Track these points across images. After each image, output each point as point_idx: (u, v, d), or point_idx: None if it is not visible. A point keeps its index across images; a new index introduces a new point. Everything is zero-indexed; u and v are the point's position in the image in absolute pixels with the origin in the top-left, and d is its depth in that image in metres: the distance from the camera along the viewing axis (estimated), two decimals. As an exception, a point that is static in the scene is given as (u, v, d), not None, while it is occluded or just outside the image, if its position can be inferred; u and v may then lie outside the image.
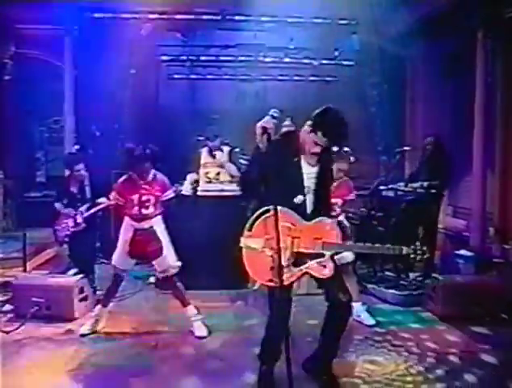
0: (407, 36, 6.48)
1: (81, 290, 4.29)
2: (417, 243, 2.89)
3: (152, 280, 5.16)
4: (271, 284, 2.74)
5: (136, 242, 3.86)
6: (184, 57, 8.63)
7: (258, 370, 3.11)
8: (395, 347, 3.77)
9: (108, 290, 4.02)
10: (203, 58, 8.81)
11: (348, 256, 4.24)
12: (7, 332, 3.92)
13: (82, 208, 4.90)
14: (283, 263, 2.68)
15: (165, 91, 8.91)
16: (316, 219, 2.84)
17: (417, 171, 5.61)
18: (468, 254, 4.94)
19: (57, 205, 5.24)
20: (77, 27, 6.31)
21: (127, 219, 3.93)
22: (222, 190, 5.18)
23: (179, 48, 8.46)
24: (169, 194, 3.99)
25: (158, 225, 3.93)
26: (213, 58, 8.91)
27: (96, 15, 6.23)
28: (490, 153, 5.01)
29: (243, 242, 2.80)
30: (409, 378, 3.26)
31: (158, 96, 8.66)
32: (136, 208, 3.87)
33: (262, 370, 3.07)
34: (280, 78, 9.67)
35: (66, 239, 4.95)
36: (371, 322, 4.23)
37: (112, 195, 3.98)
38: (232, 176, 5.42)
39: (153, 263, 3.94)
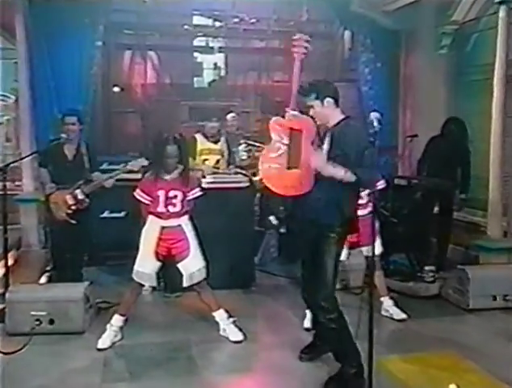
0: (403, 9, 7.02)
1: (87, 300, 4.44)
2: None
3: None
4: None
5: (162, 241, 4.13)
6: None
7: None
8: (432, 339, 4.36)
9: (127, 297, 4.24)
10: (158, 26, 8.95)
11: (375, 248, 4.73)
12: (9, 353, 3.97)
13: (81, 182, 4.97)
14: None
15: (116, 63, 8.94)
16: None
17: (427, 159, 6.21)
18: (487, 244, 5.61)
19: (43, 171, 5.20)
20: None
21: (151, 218, 4.16)
22: (229, 182, 5.53)
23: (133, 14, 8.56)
24: (196, 192, 4.27)
25: (186, 225, 4.22)
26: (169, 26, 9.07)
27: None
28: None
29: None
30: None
31: (110, 70, 8.65)
32: (163, 205, 4.12)
33: None
34: (242, 46, 9.92)
35: (72, 221, 4.97)
36: (402, 316, 4.77)
37: (137, 192, 4.17)
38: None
39: (179, 266, 4.19)
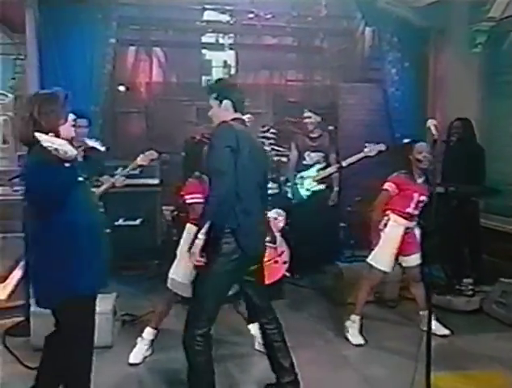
0: (433, 5, 7.23)
1: (115, 312, 4.60)
2: None
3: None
4: None
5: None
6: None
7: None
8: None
9: (160, 309, 4.42)
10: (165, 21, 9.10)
11: (415, 259, 4.94)
12: (35, 368, 4.07)
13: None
14: None
15: (119, 60, 9.08)
16: None
17: (447, 168, 6.41)
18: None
19: None
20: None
21: (190, 227, 4.30)
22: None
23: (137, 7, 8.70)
24: None
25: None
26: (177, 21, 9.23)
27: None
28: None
29: None
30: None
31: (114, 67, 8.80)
32: None
33: None
34: (253, 43, 10.05)
35: None
36: (445, 331, 4.96)
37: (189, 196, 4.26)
38: None
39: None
